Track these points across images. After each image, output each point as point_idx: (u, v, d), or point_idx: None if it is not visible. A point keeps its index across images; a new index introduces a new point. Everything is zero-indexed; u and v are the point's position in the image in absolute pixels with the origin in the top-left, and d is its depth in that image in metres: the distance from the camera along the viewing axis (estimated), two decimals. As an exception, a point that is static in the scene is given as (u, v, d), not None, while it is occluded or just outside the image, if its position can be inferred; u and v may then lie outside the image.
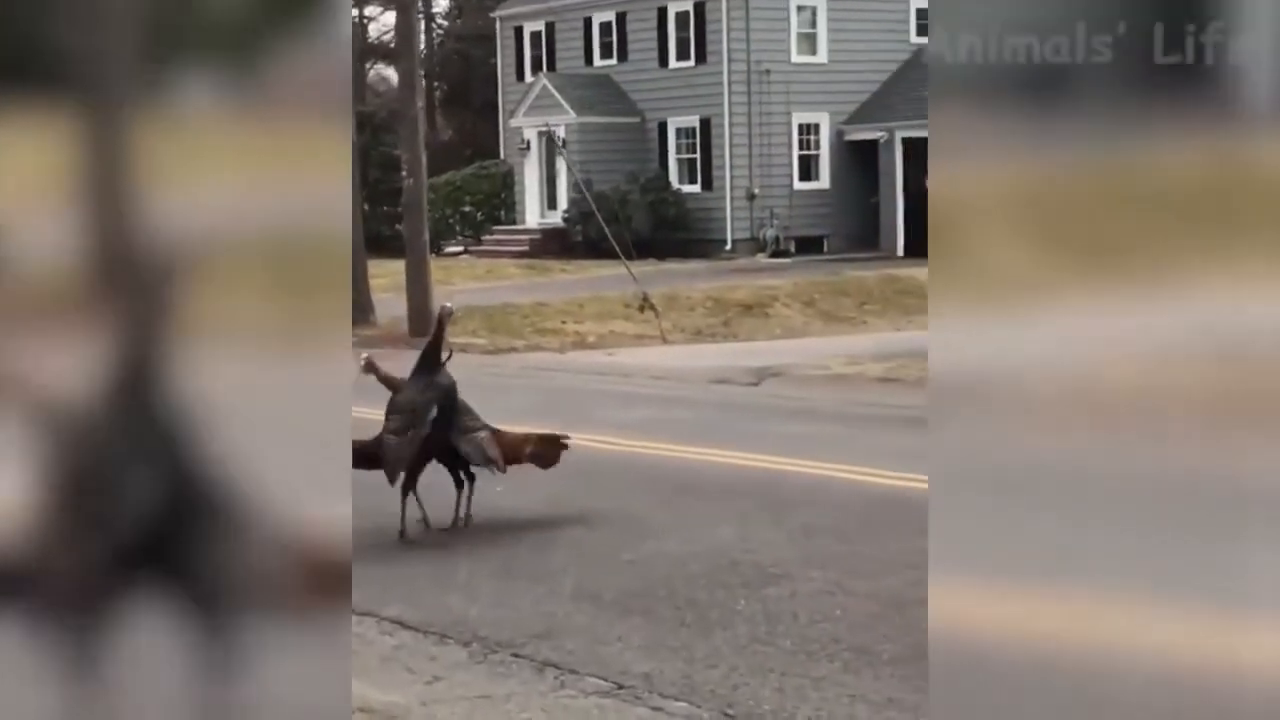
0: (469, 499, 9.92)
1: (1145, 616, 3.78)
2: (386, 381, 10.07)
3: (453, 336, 24.27)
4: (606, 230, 30.33)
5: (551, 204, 43.39)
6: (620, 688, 6.71)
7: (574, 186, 39.61)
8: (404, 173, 25.82)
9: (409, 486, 9.75)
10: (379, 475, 9.51)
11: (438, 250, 28.95)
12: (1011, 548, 3.84)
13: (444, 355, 9.89)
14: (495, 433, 10.02)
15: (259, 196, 4.26)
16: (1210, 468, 3.76)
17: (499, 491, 10.31)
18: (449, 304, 10.89)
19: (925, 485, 4.70)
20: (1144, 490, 3.81)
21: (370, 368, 9.93)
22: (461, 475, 9.97)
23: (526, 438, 10.33)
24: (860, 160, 40.05)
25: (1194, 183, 3.81)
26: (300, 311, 4.23)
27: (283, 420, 4.19)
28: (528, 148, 43.67)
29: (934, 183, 3.85)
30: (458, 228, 44.54)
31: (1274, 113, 3.77)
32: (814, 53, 41.22)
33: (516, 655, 7.23)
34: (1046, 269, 3.98)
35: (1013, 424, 3.89)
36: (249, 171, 4.27)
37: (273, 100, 4.29)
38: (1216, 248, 3.73)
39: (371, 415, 9.66)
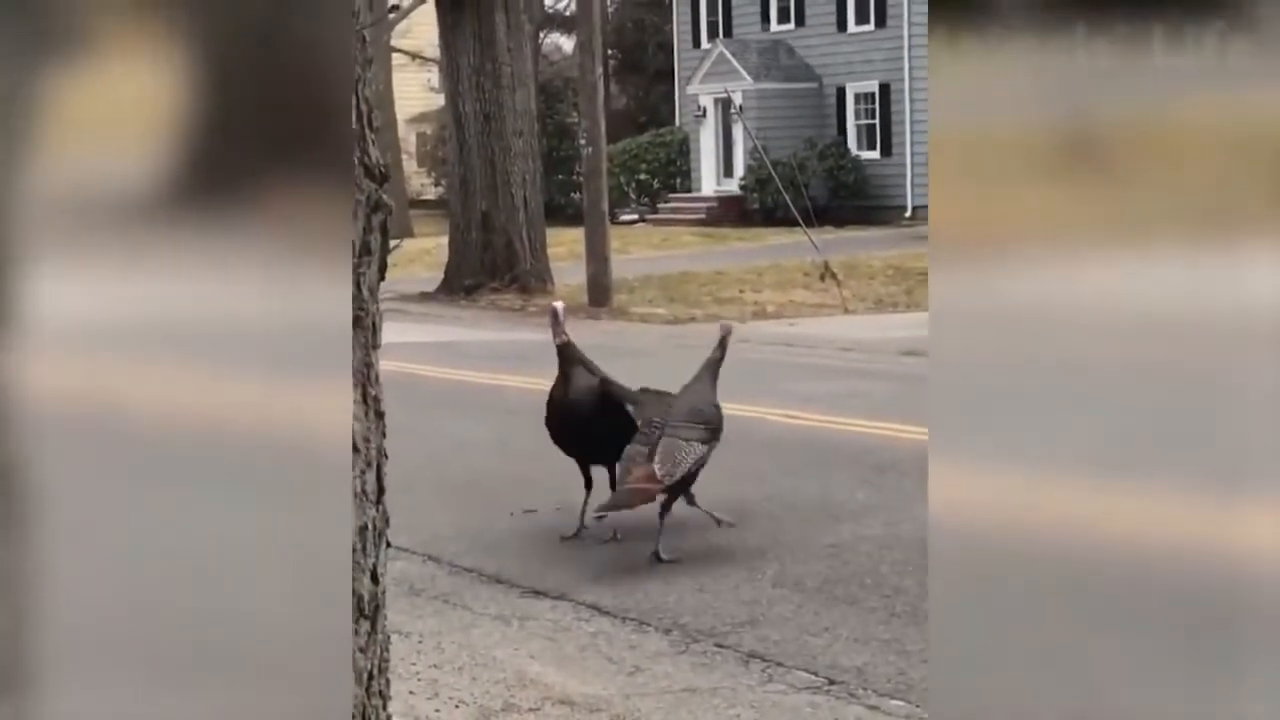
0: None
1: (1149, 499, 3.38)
2: (569, 355, 8.97)
3: (631, 306, 24.12)
4: (786, 197, 29.88)
5: (728, 171, 43.01)
6: (832, 683, 6.34)
7: (751, 153, 39.17)
8: (582, 140, 25.58)
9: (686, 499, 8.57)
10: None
11: (613, 218, 28.75)
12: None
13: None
14: None
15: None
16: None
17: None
18: (729, 323, 9.31)
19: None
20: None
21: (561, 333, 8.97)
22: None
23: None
24: (1044, 125, 39.10)
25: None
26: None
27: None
28: (704, 115, 43.31)
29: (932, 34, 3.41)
30: (633, 196, 44.35)
31: None
32: (997, 15, 40.28)
33: (720, 645, 6.89)
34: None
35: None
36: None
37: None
38: None
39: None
